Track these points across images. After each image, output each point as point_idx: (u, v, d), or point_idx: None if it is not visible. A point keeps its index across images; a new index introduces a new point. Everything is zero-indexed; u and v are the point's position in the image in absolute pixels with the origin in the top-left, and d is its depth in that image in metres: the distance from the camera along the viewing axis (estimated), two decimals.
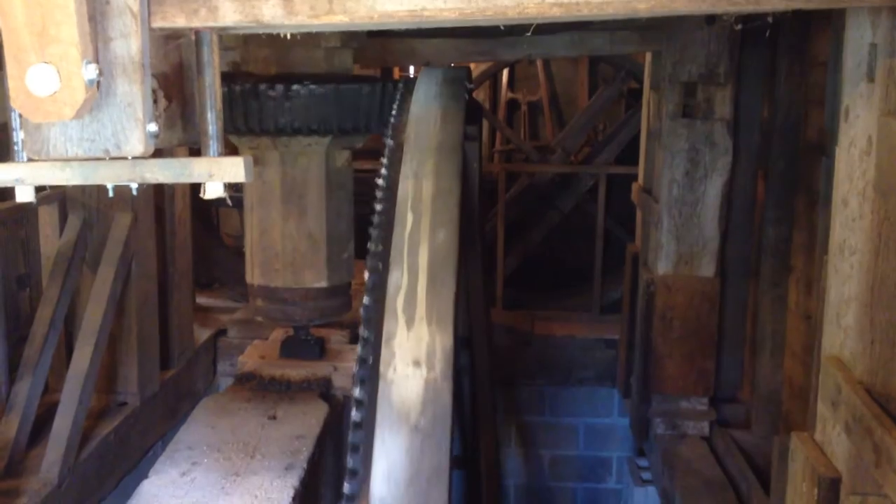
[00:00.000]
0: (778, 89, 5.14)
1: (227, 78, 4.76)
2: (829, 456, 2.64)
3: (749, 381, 5.74)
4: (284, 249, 5.14)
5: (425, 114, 3.57)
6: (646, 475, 6.16)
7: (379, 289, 3.04)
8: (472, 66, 9.19)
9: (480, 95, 10.67)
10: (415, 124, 3.50)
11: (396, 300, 2.85)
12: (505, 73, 11.15)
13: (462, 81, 3.95)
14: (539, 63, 11.00)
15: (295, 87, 4.58)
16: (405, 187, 3.18)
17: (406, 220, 3.07)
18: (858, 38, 2.57)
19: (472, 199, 3.88)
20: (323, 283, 5.18)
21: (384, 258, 3.10)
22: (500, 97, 11.44)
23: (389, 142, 3.62)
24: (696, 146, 5.46)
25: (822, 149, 4.43)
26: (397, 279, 2.89)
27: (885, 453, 2.20)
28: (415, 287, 2.88)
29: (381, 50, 5.49)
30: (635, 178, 6.73)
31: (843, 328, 2.67)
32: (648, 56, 6.28)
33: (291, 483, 4.04)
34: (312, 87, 4.60)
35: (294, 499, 3.94)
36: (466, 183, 3.56)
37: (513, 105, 11.47)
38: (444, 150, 3.31)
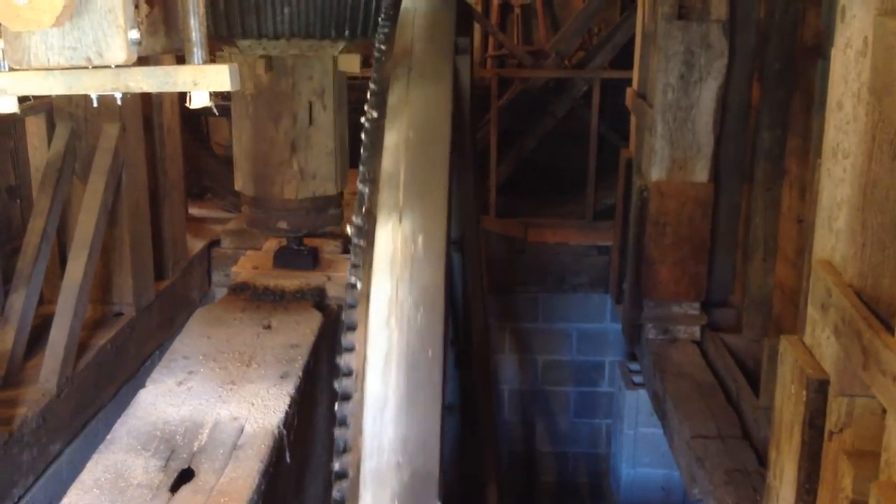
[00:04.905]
0: None
1: None
2: (818, 358, 2.67)
3: (741, 285, 5.77)
4: (277, 159, 5.09)
5: (411, 30, 3.34)
6: (637, 379, 6.26)
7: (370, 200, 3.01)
8: None
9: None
10: (400, 40, 3.30)
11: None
12: None
13: None
14: None
15: None
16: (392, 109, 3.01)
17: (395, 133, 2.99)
18: None
19: (463, 115, 3.63)
20: (315, 194, 5.15)
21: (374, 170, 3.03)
22: (493, 0, 11.24)
23: (374, 78, 3.47)
24: (691, 48, 5.38)
25: (819, 50, 4.37)
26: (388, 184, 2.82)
27: (873, 355, 2.23)
28: (400, 175, 2.79)
29: None
30: (630, 82, 6.65)
31: (834, 232, 2.67)
32: None
33: (287, 391, 4.09)
34: None
35: (290, 406, 3.99)
36: (458, 100, 3.36)
37: (505, 8, 11.27)
38: (432, 76, 3.11)
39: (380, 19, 3.79)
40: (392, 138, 2.87)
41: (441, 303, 2.61)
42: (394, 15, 3.68)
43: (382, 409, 2.50)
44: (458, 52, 3.42)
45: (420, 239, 2.67)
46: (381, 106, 3.13)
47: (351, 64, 5.01)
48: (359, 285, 2.85)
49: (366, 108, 3.23)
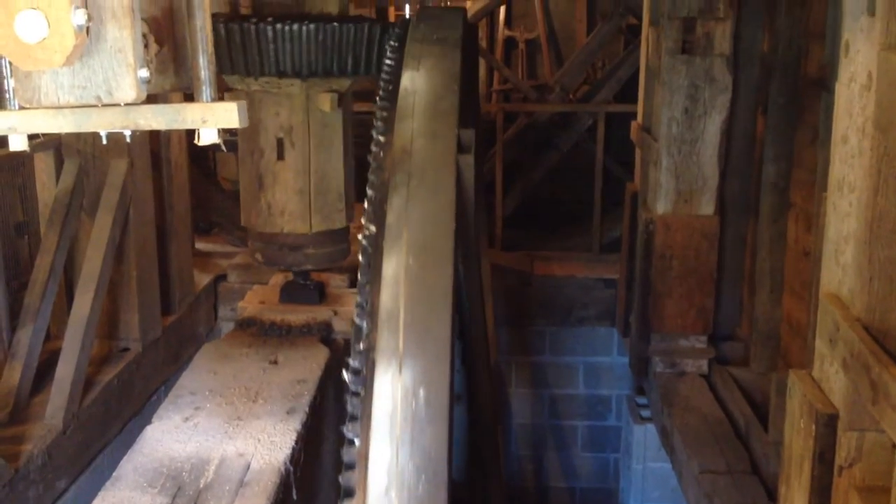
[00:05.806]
0: (778, 23, 5.08)
1: (218, 18, 4.70)
2: (827, 392, 2.66)
3: (748, 318, 5.76)
4: (251, 192, 5.13)
5: (411, 122, 3.07)
6: (645, 413, 6.22)
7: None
8: (469, 3, 9.08)
9: (478, 34, 10.55)
10: (399, 134, 3.03)
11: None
12: (502, 10, 11.03)
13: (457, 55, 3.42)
14: None
15: (278, 26, 4.51)
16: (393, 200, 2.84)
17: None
18: None
19: (467, 219, 3.25)
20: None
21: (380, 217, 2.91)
22: (498, 35, 11.34)
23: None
24: (695, 83, 5.41)
25: (823, 84, 4.38)
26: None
27: (882, 389, 2.22)
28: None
29: None
30: (634, 116, 6.67)
31: (841, 265, 2.67)
32: None
33: (294, 426, 4.08)
34: (295, 26, 4.52)
35: (297, 442, 3.97)
36: (461, 205, 3.01)
37: (510, 43, 11.37)
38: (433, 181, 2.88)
39: (377, 99, 3.56)
40: (391, 266, 2.70)
41: (444, 468, 2.45)
42: (392, 91, 3.44)
43: None
44: (462, 151, 3.13)
45: (421, 392, 2.51)
46: (379, 219, 2.97)
47: (322, 103, 4.98)
48: (356, 442, 2.71)
49: (363, 220, 3.08)
